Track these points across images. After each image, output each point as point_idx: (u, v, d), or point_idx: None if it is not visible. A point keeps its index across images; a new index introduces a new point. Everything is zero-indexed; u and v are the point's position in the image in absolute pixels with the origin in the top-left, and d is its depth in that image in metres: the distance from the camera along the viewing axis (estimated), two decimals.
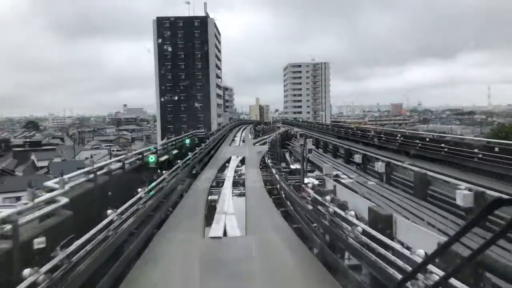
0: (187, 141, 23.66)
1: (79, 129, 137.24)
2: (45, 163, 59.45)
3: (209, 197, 15.16)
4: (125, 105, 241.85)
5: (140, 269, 8.09)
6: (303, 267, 8.39)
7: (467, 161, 17.68)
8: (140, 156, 14.07)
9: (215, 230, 10.89)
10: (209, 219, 12.26)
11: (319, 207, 9.06)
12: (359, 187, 16.96)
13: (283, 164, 22.73)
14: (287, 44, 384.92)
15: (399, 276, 5.09)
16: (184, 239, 10.29)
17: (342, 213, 7.67)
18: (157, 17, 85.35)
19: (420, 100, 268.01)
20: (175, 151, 19.30)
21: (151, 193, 10.80)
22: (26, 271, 4.57)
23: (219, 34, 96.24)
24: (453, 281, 3.98)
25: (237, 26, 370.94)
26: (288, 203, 13.26)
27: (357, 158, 22.97)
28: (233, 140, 48.54)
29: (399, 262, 5.24)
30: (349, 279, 7.05)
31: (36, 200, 6.10)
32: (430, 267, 4.19)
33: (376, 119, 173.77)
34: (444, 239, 5.81)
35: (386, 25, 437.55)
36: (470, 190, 12.11)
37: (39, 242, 5.40)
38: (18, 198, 14.78)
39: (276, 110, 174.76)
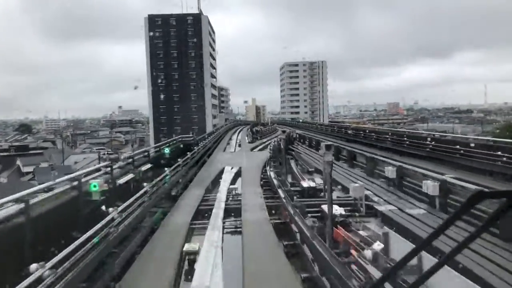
0: (166, 150, 19.14)
1: (72, 131, 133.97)
2: (31, 169, 57.06)
3: (186, 247, 9.65)
4: (120, 107, 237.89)
5: None
6: None
7: None
8: (76, 183, 8.94)
9: None
10: None
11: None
12: (409, 220, 10.60)
13: (290, 178, 18.76)
14: (283, 44, 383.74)
15: None
16: None
17: None
18: (149, 15, 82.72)
19: (417, 99, 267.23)
20: (146, 166, 14.92)
21: (96, 240, 7.31)
22: None
23: (214, 32, 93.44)
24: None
25: (232, 26, 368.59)
26: (310, 255, 9.06)
27: (390, 172, 15.14)
28: (228, 144, 44.89)
29: None
30: None
31: None
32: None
33: (374, 118, 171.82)
34: None
35: (381, 24, 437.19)
36: None
37: None
38: None
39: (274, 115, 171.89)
